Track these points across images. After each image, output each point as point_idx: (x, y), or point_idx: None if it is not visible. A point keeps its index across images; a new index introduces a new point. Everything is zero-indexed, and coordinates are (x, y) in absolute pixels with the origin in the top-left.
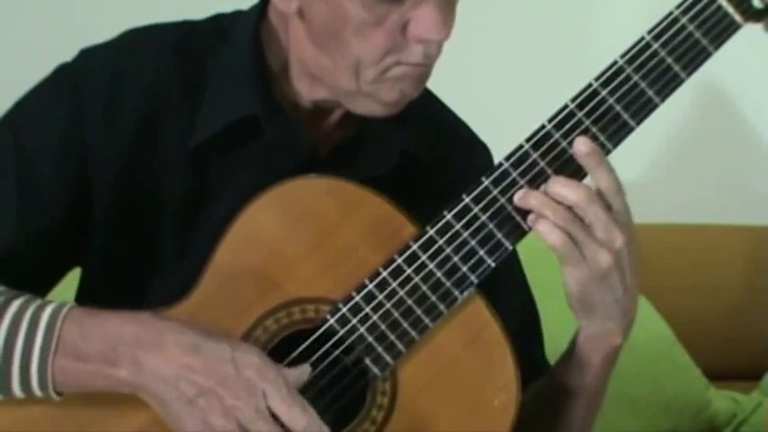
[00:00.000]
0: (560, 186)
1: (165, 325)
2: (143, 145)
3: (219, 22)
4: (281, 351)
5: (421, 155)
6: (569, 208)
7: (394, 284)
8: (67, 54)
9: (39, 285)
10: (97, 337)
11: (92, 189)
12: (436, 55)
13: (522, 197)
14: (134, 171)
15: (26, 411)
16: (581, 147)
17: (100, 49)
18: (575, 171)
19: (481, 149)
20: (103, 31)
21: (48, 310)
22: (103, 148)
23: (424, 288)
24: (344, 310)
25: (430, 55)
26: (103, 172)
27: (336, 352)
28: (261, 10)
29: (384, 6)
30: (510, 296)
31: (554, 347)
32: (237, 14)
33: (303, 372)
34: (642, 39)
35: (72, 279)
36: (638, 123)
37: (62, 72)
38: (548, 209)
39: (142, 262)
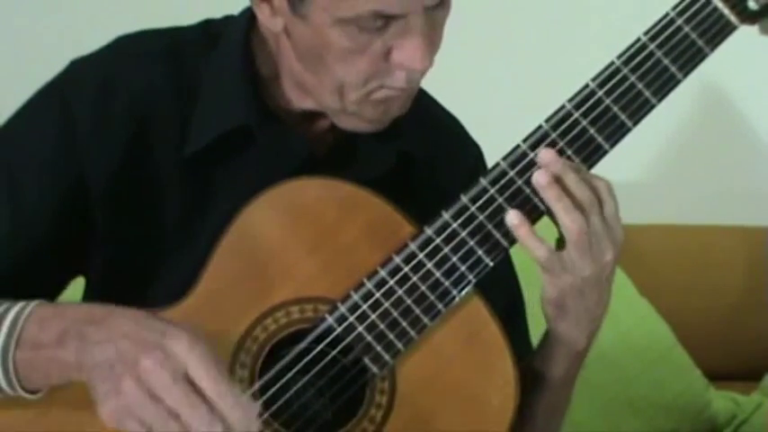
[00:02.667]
0: (558, 215)
1: (120, 307)
2: (136, 154)
3: (209, 29)
4: (280, 351)
5: (417, 154)
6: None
7: (392, 284)
8: (67, 55)
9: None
10: (54, 324)
11: (88, 201)
12: (421, 77)
13: (544, 186)
14: (129, 181)
15: (14, 415)
16: (540, 179)
17: (88, 59)
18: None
19: (471, 147)
20: (103, 32)
21: (12, 312)
22: (96, 159)
23: (423, 287)
24: (343, 309)
25: (413, 80)
26: (98, 183)
27: (335, 351)
28: (251, 15)
29: (366, 35)
30: (496, 280)
31: None
32: (227, 20)
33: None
34: (638, 40)
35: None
36: (636, 124)
37: (51, 86)
38: (563, 212)
39: (142, 268)
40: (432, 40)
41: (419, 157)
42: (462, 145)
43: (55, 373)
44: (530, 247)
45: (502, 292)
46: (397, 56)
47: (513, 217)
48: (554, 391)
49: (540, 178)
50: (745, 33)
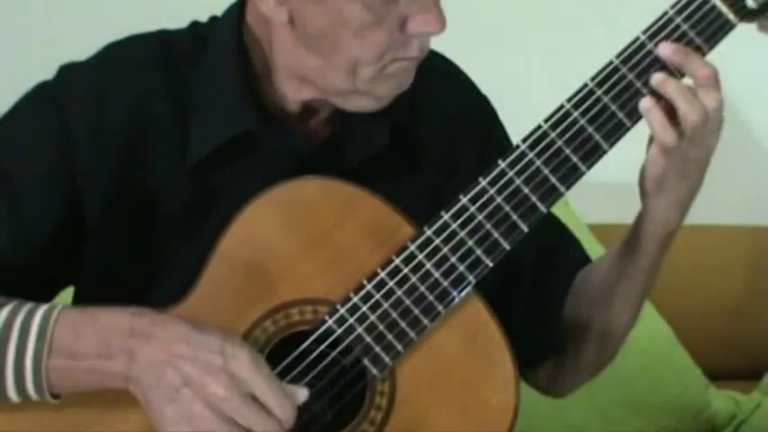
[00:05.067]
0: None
1: (158, 316)
2: (132, 160)
3: (197, 31)
4: (279, 353)
5: (412, 125)
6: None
7: (392, 285)
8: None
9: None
10: (91, 333)
11: (82, 206)
12: (428, 45)
13: (662, 82)
14: (124, 186)
15: (23, 415)
16: (665, 50)
17: (80, 66)
18: (570, 169)
19: (479, 97)
20: (98, 32)
21: (38, 315)
22: (92, 164)
23: (422, 288)
24: (342, 310)
25: (425, 48)
26: (92, 188)
27: (334, 353)
28: (239, 14)
29: (382, 6)
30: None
31: None
32: (213, 21)
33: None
34: (637, 38)
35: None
36: (634, 123)
37: (43, 91)
38: (683, 100)
39: (140, 275)
40: (439, 5)
41: (414, 128)
42: (464, 96)
43: (94, 382)
44: (658, 131)
45: (545, 227)
46: (412, 24)
47: (646, 102)
48: (647, 274)
49: (656, 77)
50: (746, 32)
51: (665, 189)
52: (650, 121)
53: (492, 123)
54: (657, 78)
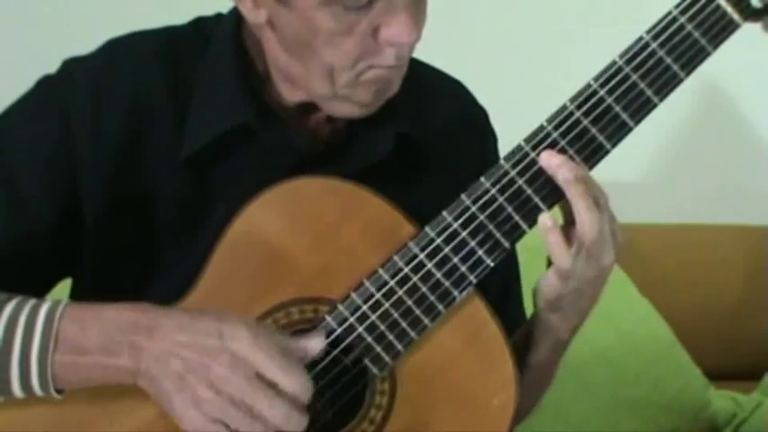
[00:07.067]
0: (581, 212)
1: (160, 309)
2: (131, 155)
3: (201, 28)
4: None
5: (415, 134)
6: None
7: (392, 284)
8: (64, 54)
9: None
10: (95, 329)
11: (81, 201)
12: (409, 53)
13: (543, 224)
14: (123, 182)
15: (27, 411)
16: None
17: (83, 60)
18: None
19: (475, 108)
20: (100, 32)
21: (43, 310)
22: (90, 160)
23: (423, 288)
24: (343, 309)
25: (402, 56)
26: (91, 183)
27: (335, 352)
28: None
29: (353, 15)
30: None
31: None
32: (218, 18)
33: (318, 342)
34: (641, 38)
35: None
36: (637, 123)
37: (45, 85)
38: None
39: (138, 269)
40: (417, 13)
41: (418, 137)
42: (466, 111)
43: (99, 377)
44: (555, 253)
45: (499, 270)
46: (384, 33)
47: (546, 219)
48: (535, 371)
49: (567, 174)
50: (747, 32)
51: (557, 308)
52: (549, 242)
53: (490, 138)
54: (568, 174)
